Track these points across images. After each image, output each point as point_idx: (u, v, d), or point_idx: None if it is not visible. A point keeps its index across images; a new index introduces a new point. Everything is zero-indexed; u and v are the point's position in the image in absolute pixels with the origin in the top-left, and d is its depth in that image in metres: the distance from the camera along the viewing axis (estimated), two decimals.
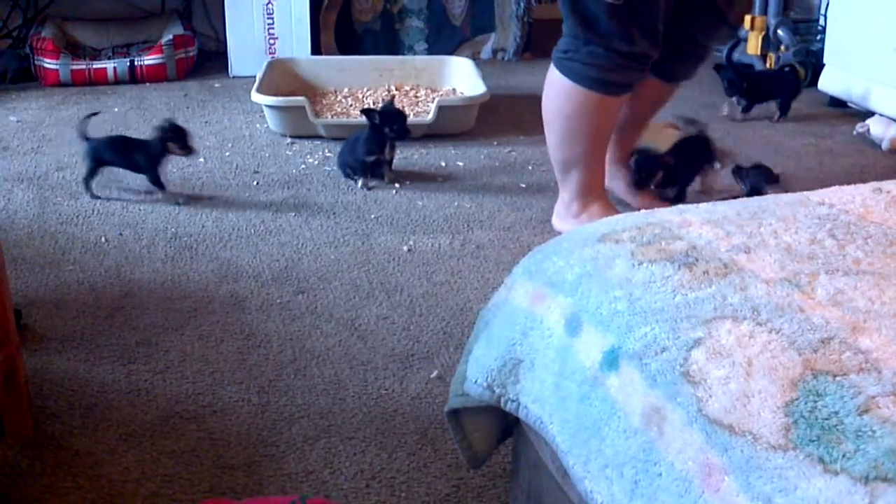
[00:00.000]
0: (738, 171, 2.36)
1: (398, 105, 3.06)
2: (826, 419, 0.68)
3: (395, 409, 1.56)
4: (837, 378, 0.71)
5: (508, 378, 0.96)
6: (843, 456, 0.65)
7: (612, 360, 0.82)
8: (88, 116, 2.48)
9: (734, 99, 3.12)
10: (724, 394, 0.73)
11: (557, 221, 2.22)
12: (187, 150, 2.39)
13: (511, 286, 1.03)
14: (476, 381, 1.00)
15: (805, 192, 1.09)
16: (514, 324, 0.98)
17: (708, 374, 0.75)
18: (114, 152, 2.41)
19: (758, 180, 2.29)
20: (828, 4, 3.32)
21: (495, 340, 1.00)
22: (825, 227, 0.97)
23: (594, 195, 2.17)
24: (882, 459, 0.64)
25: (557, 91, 2.11)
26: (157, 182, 2.38)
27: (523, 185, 2.54)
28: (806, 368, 0.73)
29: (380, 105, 2.66)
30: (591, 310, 0.89)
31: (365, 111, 2.49)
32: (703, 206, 1.06)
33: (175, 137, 2.37)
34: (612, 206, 2.22)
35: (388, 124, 2.46)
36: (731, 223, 0.98)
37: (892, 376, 0.70)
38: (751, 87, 3.08)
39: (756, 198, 1.07)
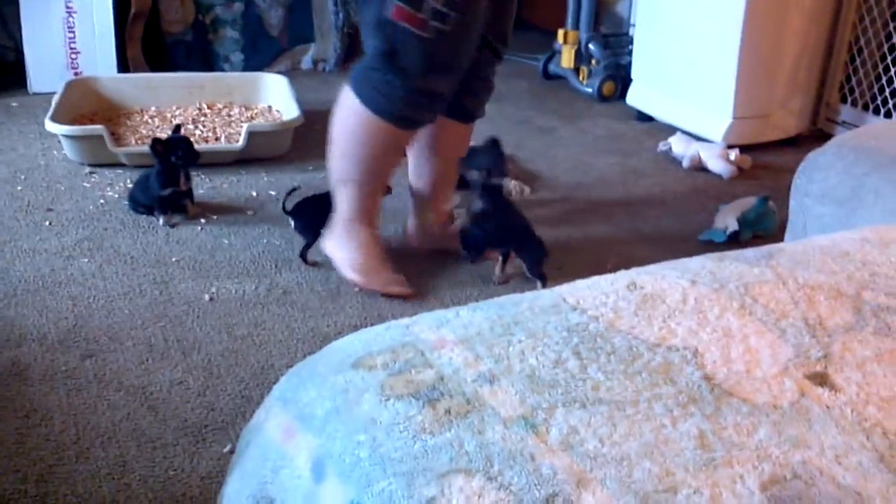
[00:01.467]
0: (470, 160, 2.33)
1: (203, 126, 2.98)
2: None
3: (184, 492, 1.50)
4: None
5: None
6: None
7: None
8: None
9: None
10: None
11: (326, 242, 2.20)
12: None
13: (268, 411, 1.00)
14: None
15: (563, 292, 1.10)
16: (265, 459, 0.95)
17: None
18: None
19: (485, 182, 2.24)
20: (636, 19, 3.43)
21: (248, 475, 0.96)
22: (571, 343, 0.98)
23: (362, 222, 2.16)
24: None
25: (349, 107, 2.05)
26: None
27: None
28: None
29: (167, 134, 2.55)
30: (335, 455, 0.87)
31: (151, 145, 2.38)
32: (464, 313, 1.06)
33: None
34: (377, 239, 2.20)
35: (173, 152, 2.37)
36: (482, 342, 0.98)
37: None
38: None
39: (513, 303, 1.08)
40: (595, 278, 1.17)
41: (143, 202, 2.42)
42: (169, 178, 2.38)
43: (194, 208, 2.46)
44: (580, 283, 1.15)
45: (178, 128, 2.51)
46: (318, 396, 0.94)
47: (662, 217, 2.60)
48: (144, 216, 2.42)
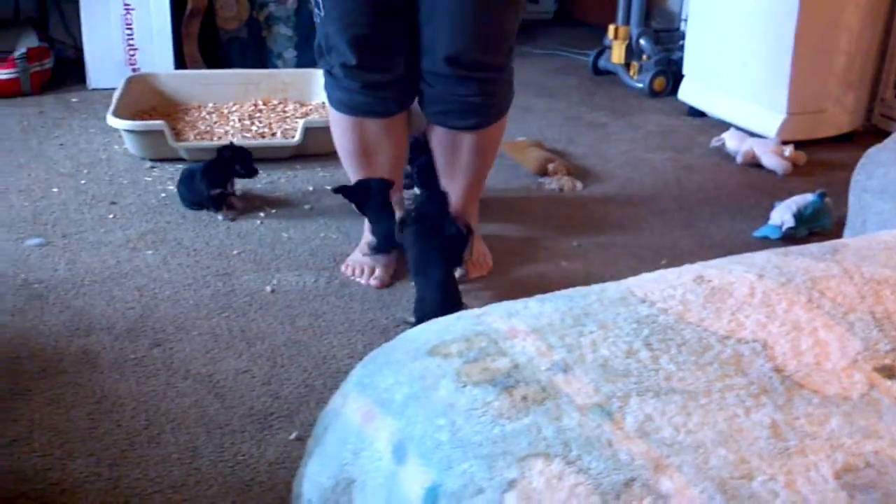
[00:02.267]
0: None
1: (259, 121, 3.05)
2: None
3: (252, 477, 1.55)
4: None
5: (341, 498, 0.96)
6: None
7: (433, 499, 0.84)
8: None
9: None
10: None
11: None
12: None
13: (346, 396, 1.04)
14: (310, 501, 1.00)
15: (630, 285, 1.13)
16: (346, 442, 0.98)
17: None
18: None
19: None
20: (688, 14, 3.42)
21: (328, 458, 1.00)
22: (642, 335, 1.01)
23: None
24: None
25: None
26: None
27: None
28: None
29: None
30: (416, 438, 0.90)
31: (220, 151, 2.48)
32: (532, 305, 1.08)
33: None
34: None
35: (239, 161, 2.44)
36: (554, 332, 1.01)
37: None
38: None
39: (581, 295, 1.10)
40: (661, 272, 1.18)
41: (188, 198, 2.48)
42: (219, 180, 2.44)
43: (239, 202, 2.51)
44: (647, 276, 1.17)
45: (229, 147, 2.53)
46: (396, 382, 0.98)
47: (716, 213, 2.60)
48: (205, 210, 2.48)
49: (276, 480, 1.54)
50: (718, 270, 1.17)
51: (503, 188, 2.70)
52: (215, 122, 3.04)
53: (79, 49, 3.59)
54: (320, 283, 2.16)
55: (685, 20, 3.53)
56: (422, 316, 1.90)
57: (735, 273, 1.17)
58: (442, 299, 1.93)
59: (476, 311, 1.10)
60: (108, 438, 1.62)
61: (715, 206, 2.65)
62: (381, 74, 2.09)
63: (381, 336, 1.95)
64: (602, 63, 3.76)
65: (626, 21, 3.59)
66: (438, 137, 2.18)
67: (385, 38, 2.04)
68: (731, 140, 3.00)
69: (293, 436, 1.64)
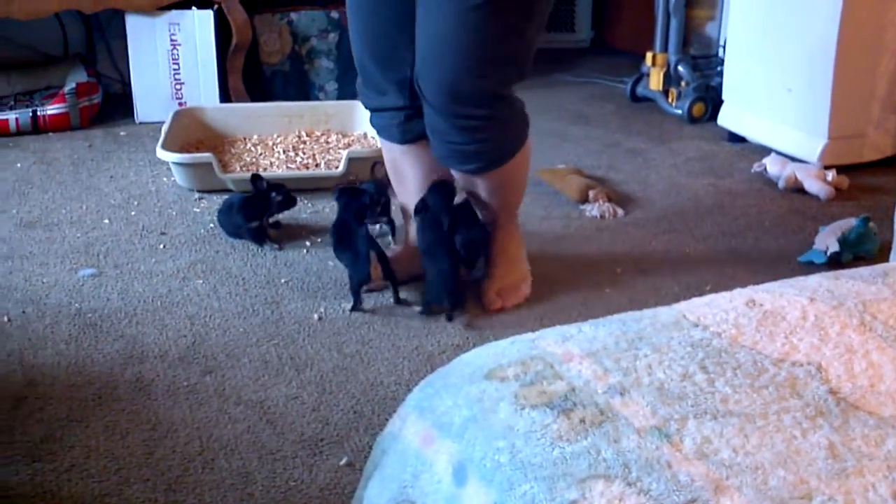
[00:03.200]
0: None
1: (303, 153, 3.10)
2: None
3: (305, 502, 1.57)
4: None
5: None
6: None
7: None
8: None
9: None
10: None
11: None
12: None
13: (404, 419, 1.06)
14: None
15: (682, 309, 1.14)
16: (405, 465, 1.00)
17: None
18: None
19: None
20: (726, 40, 3.43)
21: (388, 480, 1.02)
22: (697, 358, 1.02)
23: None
24: None
25: None
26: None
27: None
28: None
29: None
30: (476, 460, 0.92)
31: (254, 177, 2.53)
32: (586, 329, 1.10)
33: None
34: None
35: (275, 190, 2.53)
36: (609, 356, 1.02)
37: None
38: None
39: (634, 319, 1.11)
40: (712, 296, 1.20)
41: (228, 230, 2.54)
42: (256, 213, 2.49)
43: (278, 234, 2.56)
44: (698, 301, 1.18)
45: (257, 177, 2.57)
46: (455, 405, 1.00)
47: (760, 238, 2.60)
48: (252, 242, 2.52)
49: None
50: (770, 294, 1.18)
51: (543, 215, 2.72)
52: (260, 154, 3.10)
53: (125, 84, 3.68)
54: (366, 310, 2.19)
55: (723, 46, 3.54)
56: (423, 307, 2.17)
57: (787, 297, 1.18)
58: (436, 295, 2.14)
59: (530, 335, 1.12)
60: (163, 464, 1.66)
61: (758, 231, 2.65)
62: (379, 102, 2.17)
63: (427, 362, 1.97)
64: (640, 90, 3.78)
65: (664, 48, 3.61)
66: (454, 173, 2.18)
67: (380, 66, 2.11)
68: (772, 165, 2.99)
69: (343, 461, 1.66)
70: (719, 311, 1.13)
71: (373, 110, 2.23)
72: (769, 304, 1.15)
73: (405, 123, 2.16)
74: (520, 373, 1.01)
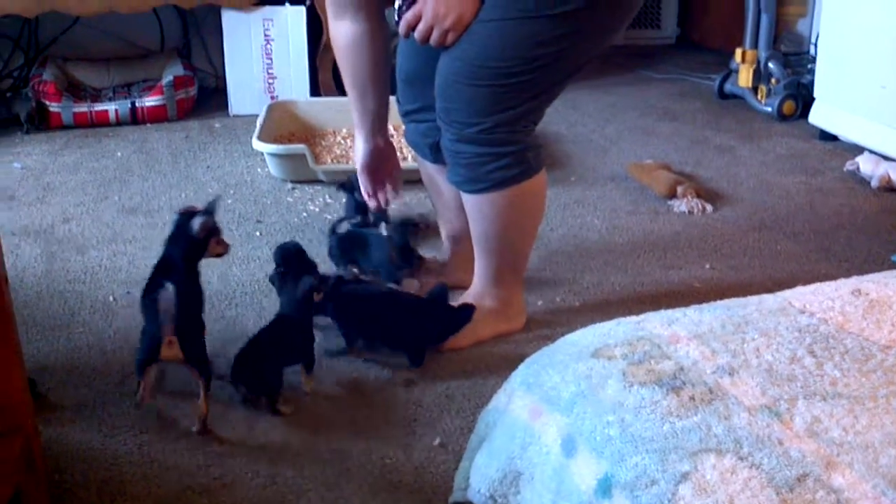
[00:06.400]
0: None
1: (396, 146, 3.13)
2: None
3: (400, 479, 1.61)
4: None
5: (510, 489, 1.02)
6: None
7: (605, 489, 0.88)
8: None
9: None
10: None
11: None
12: None
13: (511, 395, 1.09)
14: (479, 491, 1.06)
15: (788, 296, 1.15)
16: (513, 437, 1.03)
17: None
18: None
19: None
20: (818, 37, 3.38)
21: (496, 452, 1.05)
22: (805, 343, 1.03)
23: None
24: None
25: None
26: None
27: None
28: None
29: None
30: (585, 433, 0.94)
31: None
32: (691, 313, 1.12)
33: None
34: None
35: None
36: (716, 338, 1.04)
37: None
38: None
39: (739, 305, 1.13)
40: (817, 285, 1.20)
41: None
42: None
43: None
44: (803, 289, 1.19)
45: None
46: (563, 381, 1.03)
47: (852, 237, 2.56)
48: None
49: (422, 484, 1.60)
50: (875, 284, 1.18)
51: (631, 210, 2.73)
52: (350, 147, 3.16)
53: (219, 78, 3.79)
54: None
55: (815, 43, 3.48)
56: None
57: (892, 287, 1.18)
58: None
59: (634, 318, 1.14)
60: (263, 438, 1.72)
61: (851, 230, 2.61)
62: (409, 122, 2.19)
63: (504, 352, 1.98)
64: (728, 87, 3.74)
65: (754, 45, 3.58)
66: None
67: (411, 85, 2.13)
68: (865, 164, 2.94)
69: (437, 442, 1.70)
70: (825, 298, 1.14)
71: (405, 113, 2.21)
72: (875, 294, 1.15)
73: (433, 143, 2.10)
74: (627, 352, 1.03)
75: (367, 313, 1.98)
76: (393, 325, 1.97)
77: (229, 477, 1.62)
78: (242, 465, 1.65)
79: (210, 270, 2.35)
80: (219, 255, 1.95)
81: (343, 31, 2.03)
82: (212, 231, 1.87)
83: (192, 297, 1.80)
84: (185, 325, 1.70)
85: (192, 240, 1.84)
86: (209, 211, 1.87)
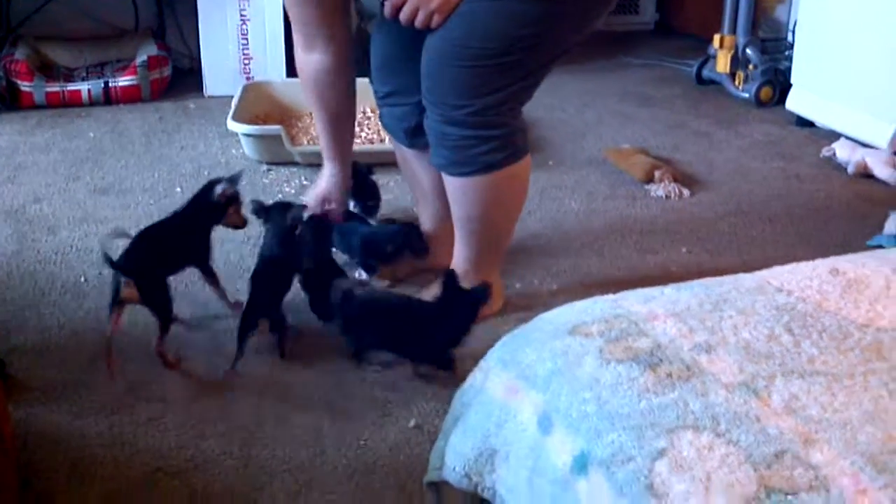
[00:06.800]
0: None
1: (368, 128, 3.12)
2: None
3: (375, 460, 1.60)
4: (788, 497, 0.76)
5: (485, 467, 1.01)
6: None
7: (581, 466, 0.87)
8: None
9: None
10: None
11: None
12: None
13: (487, 373, 1.08)
14: (454, 469, 1.05)
15: (765, 275, 1.14)
16: (489, 415, 1.02)
17: (671, 488, 0.80)
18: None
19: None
20: (796, 23, 3.38)
21: (471, 430, 1.04)
22: (782, 321, 1.02)
23: None
24: None
25: None
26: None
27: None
28: (760, 486, 0.78)
29: None
30: (562, 410, 0.93)
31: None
32: (669, 291, 1.11)
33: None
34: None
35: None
36: (693, 316, 1.03)
37: (838, 495, 0.76)
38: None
39: (716, 283, 1.12)
40: (794, 264, 1.20)
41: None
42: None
43: None
44: (780, 269, 1.19)
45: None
46: (539, 358, 1.01)
47: (828, 221, 2.57)
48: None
49: (397, 465, 1.59)
50: (852, 264, 1.18)
51: (608, 194, 2.72)
52: None
53: (193, 59, 3.74)
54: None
55: (792, 30, 3.49)
56: None
57: (869, 266, 1.17)
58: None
59: (611, 296, 1.13)
60: (237, 419, 1.70)
61: (827, 215, 2.62)
62: (384, 106, 2.16)
63: (488, 336, 1.95)
64: (706, 73, 3.74)
65: (732, 31, 3.57)
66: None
67: (386, 69, 2.12)
68: (841, 150, 2.95)
69: (412, 423, 1.69)
70: (803, 277, 1.13)
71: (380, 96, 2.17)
72: (852, 273, 1.15)
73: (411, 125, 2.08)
74: (604, 329, 1.02)
75: (384, 328, 1.88)
76: (414, 339, 1.85)
77: (201, 458, 1.61)
78: (215, 447, 1.63)
79: None
80: (235, 227, 2.04)
81: (314, 63, 1.98)
82: (231, 198, 1.96)
83: (166, 245, 1.92)
84: (143, 270, 1.83)
85: (212, 204, 1.94)
86: (233, 180, 1.97)
